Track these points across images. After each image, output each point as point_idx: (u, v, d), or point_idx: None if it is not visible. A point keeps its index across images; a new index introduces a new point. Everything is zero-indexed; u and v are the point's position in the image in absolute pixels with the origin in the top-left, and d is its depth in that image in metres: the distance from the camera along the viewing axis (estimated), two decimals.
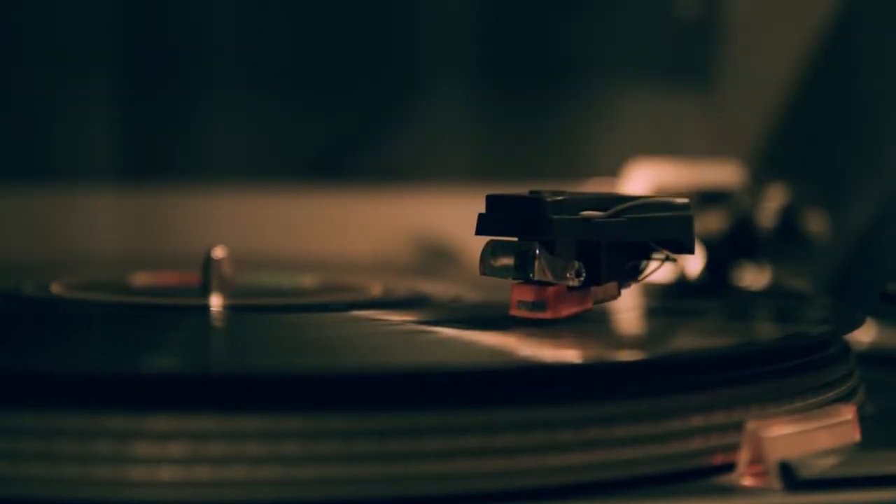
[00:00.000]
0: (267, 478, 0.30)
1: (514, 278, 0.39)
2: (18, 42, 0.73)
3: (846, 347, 0.42)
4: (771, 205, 0.59)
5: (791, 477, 0.32)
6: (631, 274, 0.41)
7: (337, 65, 0.76)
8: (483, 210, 0.39)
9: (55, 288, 0.49)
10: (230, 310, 0.44)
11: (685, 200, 0.40)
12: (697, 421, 0.34)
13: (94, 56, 0.73)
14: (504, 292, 0.40)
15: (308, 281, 0.53)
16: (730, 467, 0.34)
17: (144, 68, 0.74)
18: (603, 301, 0.40)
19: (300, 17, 0.75)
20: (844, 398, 0.38)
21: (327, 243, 0.74)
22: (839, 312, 0.47)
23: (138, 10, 0.74)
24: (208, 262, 0.46)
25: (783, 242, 0.59)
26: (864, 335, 0.51)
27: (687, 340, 0.41)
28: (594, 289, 0.40)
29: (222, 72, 0.75)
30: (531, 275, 0.38)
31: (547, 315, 0.38)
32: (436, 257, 0.71)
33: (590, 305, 0.40)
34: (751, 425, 0.33)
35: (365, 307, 0.45)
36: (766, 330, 0.45)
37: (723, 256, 0.58)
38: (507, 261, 0.38)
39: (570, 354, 0.36)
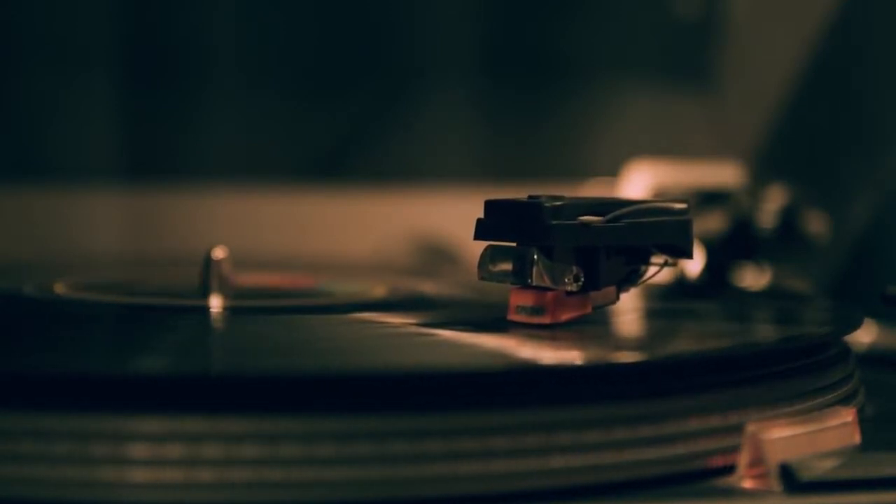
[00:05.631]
0: (266, 479, 0.30)
1: (512, 283, 0.39)
2: (18, 42, 0.73)
3: (846, 349, 0.42)
4: (771, 205, 0.59)
5: (791, 479, 0.32)
6: (630, 278, 0.41)
7: (337, 65, 0.76)
8: (482, 214, 0.39)
9: (56, 288, 0.49)
10: (230, 311, 0.44)
11: (684, 205, 0.40)
12: (697, 423, 0.34)
13: (94, 56, 0.73)
14: (504, 293, 0.40)
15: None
16: (730, 469, 0.34)
17: (144, 68, 0.74)
18: (602, 306, 0.40)
19: (300, 17, 0.75)
20: (845, 400, 0.38)
21: (327, 243, 0.74)
22: (839, 314, 0.47)
23: (138, 9, 0.74)
24: (208, 262, 0.46)
25: (783, 243, 0.59)
26: (865, 336, 0.51)
27: (687, 342, 0.41)
28: (593, 293, 0.40)
29: (222, 72, 0.75)
30: (529, 280, 0.38)
31: (546, 320, 0.38)
32: (436, 258, 0.71)
33: (589, 310, 0.40)
34: (751, 427, 0.34)
35: (364, 309, 0.45)
36: (766, 331, 0.45)
37: (723, 257, 0.58)
38: (506, 266, 0.38)
39: (569, 356, 0.36)
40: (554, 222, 0.38)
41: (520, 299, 0.39)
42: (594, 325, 0.40)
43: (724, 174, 0.63)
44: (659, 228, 0.39)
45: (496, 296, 0.42)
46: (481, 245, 0.39)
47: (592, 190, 0.68)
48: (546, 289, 0.38)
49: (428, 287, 0.52)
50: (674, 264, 0.41)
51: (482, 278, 0.39)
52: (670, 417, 0.33)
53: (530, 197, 0.39)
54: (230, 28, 0.75)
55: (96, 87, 0.73)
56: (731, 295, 0.55)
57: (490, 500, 0.31)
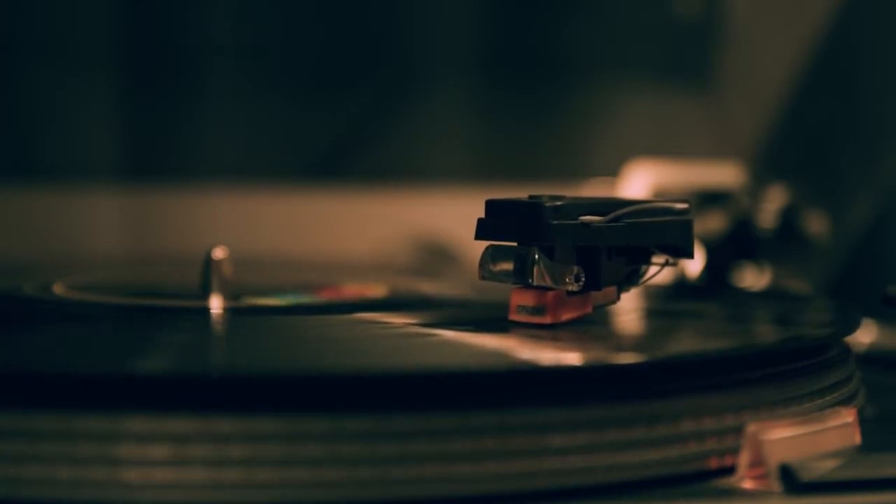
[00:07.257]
0: (267, 480, 0.30)
1: (513, 283, 0.39)
2: (18, 42, 0.73)
3: (846, 349, 0.42)
4: (771, 205, 0.59)
5: (792, 480, 0.32)
6: (630, 278, 0.41)
7: (337, 65, 0.76)
8: (482, 213, 0.39)
9: (55, 288, 0.49)
10: (230, 311, 0.44)
11: (685, 205, 0.40)
12: (698, 424, 0.34)
13: (94, 56, 0.73)
14: (504, 293, 0.40)
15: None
16: (730, 470, 0.34)
17: (144, 68, 0.74)
18: (602, 305, 0.40)
19: (300, 18, 0.75)
20: (845, 400, 0.38)
21: (327, 243, 0.74)
22: (839, 314, 0.47)
23: (138, 9, 0.74)
24: (208, 263, 0.46)
25: (783, 243, 0.59)
26: (865, 337, 0.51)
27: (687, 343, 0.41)
28: (594, 293, 0.40)
29: (222, 72, 0.75)
30: (530, 280, 0.38)
31: (546, 320, 0.38)
32: (435, 257, 0.71)
33: (589, 310, 0.40)
34: (751, 428, 0.34)
35: (364, 309, 0.45)
36: (767, 332, 0.45)
37: (723, 257, 0.58)
38: (507, 266, 0.38)
39: (570, 357, 0.36)
40: (555, 222, 0.38)
41: (521, 299, 0.39)
42: (595, 326, 0.40)
43: (724, 174, 0.63)
44: (660, 228, 0.39)
45: (497, 296, 0.42)
46: (482, 245, 0.39)
47: (592, 190, 0.68)
48: (547, 288, 0.38)
49: (428, 287, 0.52)
50: (674, 264, 0.41)
51: (483, 278, 0.39)
52: (671, 418, 0.33)
53: (531, 197, 0.39)
54: (230, 28, 0.75)
55: (96, 87, 0.73)
56: (732, 295, 0.55)
57: (489, 501, 0.31)
